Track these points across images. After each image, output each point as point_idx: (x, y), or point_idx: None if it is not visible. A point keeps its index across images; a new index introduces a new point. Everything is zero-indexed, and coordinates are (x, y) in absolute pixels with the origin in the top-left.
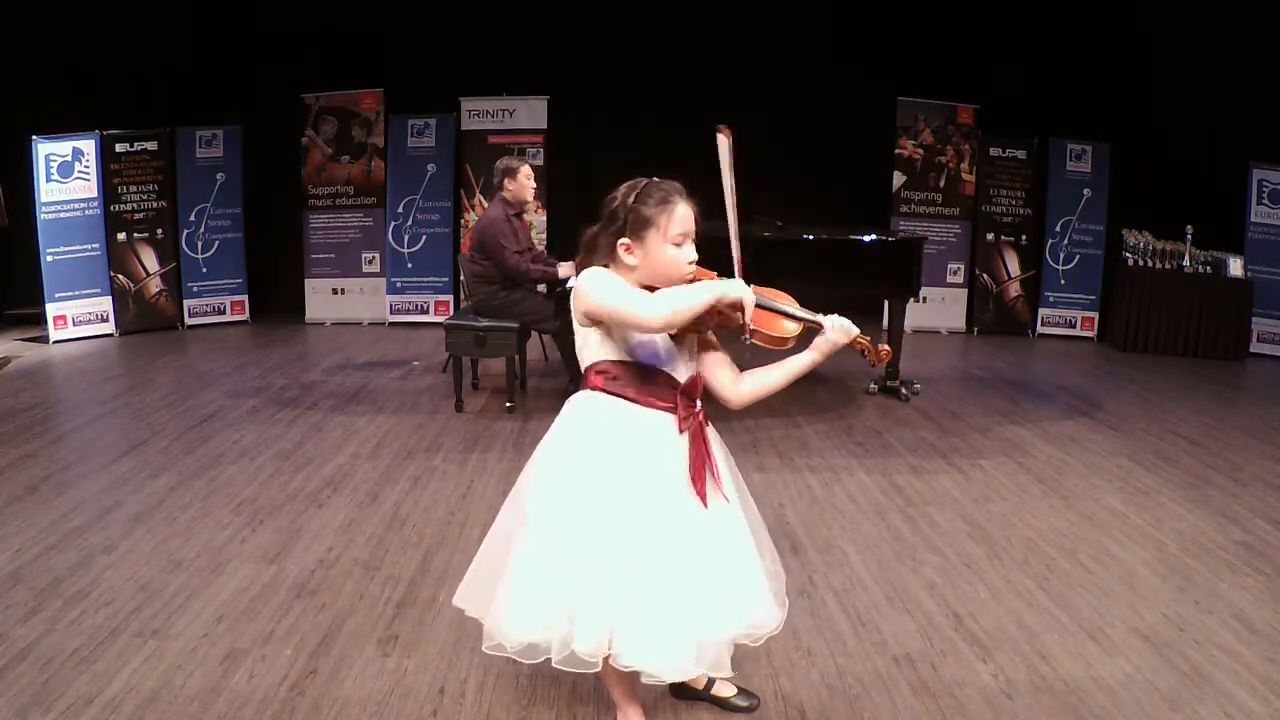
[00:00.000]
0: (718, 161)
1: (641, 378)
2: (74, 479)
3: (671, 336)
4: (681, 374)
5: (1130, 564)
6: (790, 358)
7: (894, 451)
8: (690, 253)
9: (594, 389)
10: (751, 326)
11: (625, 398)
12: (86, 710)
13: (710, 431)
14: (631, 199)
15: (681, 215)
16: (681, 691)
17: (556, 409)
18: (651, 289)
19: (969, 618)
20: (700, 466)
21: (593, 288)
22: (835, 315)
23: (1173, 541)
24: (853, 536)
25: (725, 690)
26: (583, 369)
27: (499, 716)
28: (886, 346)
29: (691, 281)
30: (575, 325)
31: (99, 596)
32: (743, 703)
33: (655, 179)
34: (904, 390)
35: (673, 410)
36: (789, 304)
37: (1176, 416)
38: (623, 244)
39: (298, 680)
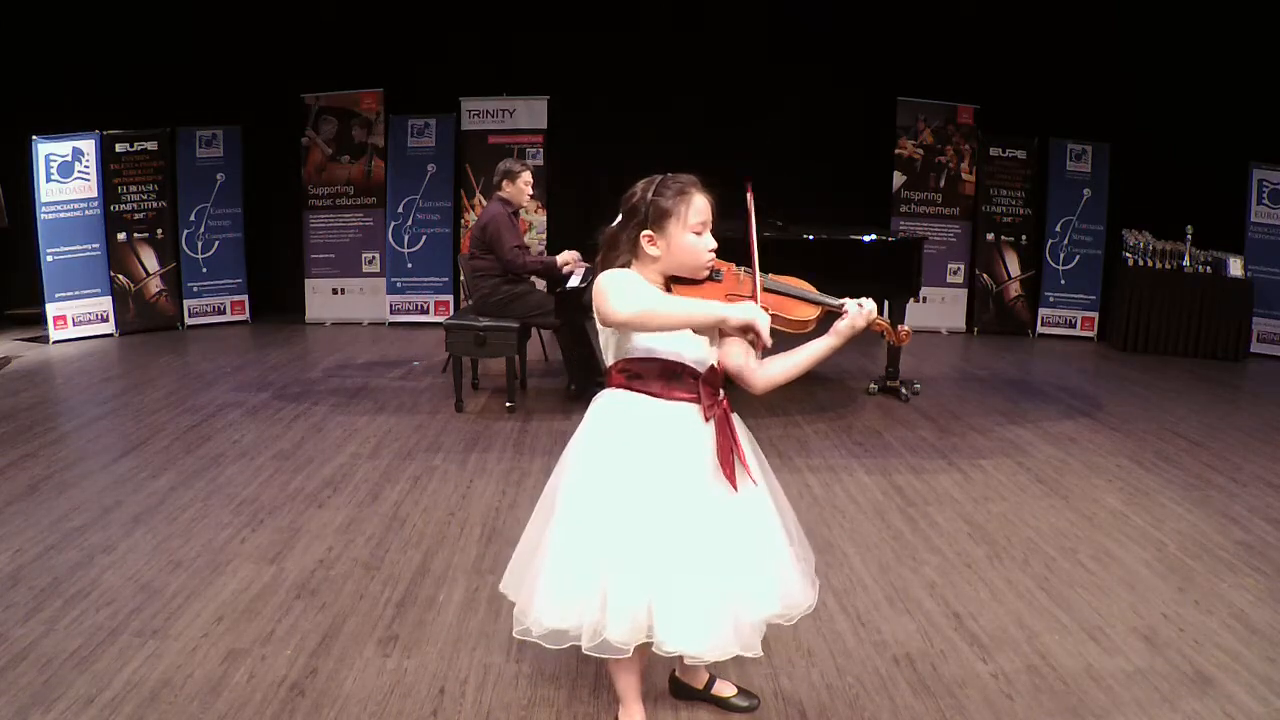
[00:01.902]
0: (747, 211)
1: (662, 372)
2: (74, 479)
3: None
4: (702, 365)
5: (1130, 564)
6: (810, 342)
7: (894, 451)
8: (709, 240)
9: (617, 386)
10: (767, 344)
11: (648, 393)
12: (86, 710)
13: (735, 418)
14: (650, 193)
15: (699, 204)
16: (681, 691)
17: (557, 409)
18: (677, 279)
19: (969, 618)
20: (728, 453)
21: (601, 284)
22: (853, 298)
23: (1173, 541)
24: (853, 536)
25: (725, 690)
26: (605, 367)
27: (499, 716)
28: (906, 328)
29: (711, 271)
30: (597, 325)
31: (99, 596)
32: (743, 703)
33: (671, 173)
34: (904, 390)
35: (696, 401)
36: (807, 290)
37: (1176, 416)
38: (645, 235)
39: (298, 680)
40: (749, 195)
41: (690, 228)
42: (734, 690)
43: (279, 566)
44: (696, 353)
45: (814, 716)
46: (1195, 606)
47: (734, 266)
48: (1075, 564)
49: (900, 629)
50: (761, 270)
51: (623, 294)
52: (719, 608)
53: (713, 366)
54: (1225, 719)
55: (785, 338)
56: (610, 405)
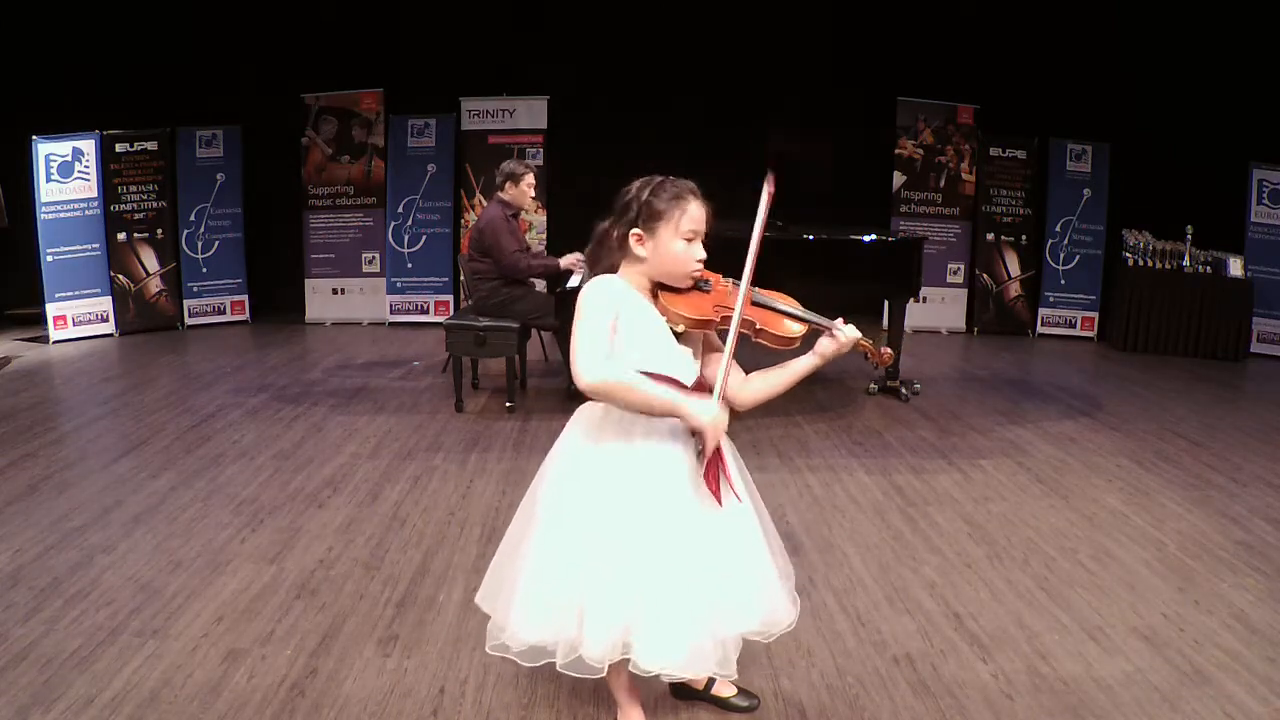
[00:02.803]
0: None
1: None
2: (74, 479)
3: (678, 337)
4: (687, 378)
5: (1130, 564)
6: (793, 360)
7: (894, 451)
8: (698, 251)
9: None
10: (708, 455)
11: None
12: (86, 710)
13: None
14: (646, 193)
15: (693, 212)
16: (681, 691)
17: (557, 409)
18: (663, 287)
19: (969, 618)
20: (713, 467)
21: (581, 303)
22: (840, 320)
23: (1173, 541)
24: (853, 536)
25: (725, 690)
26: None
27: (499, 716)
28: (889, 349)
29: (696, 280)
30: None
31: (99, 596)
32: (743, 703)
33: (670, 177)
34: (904, 390)
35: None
36: (795, 307)
37: (1176, 416)
38: (635, 234)
39: (298, 680)
40: (768, 184)
41: (681, 234)
42: (734, 690)
43: (279, 566)
44: (681, 370)
45: (814, 716)
46: (1195, 606)
47: (722, 278)
48: (1075, 564)
49: (900, 629)
50: (753, 284)
51: (593, 357)
52: (699, 624)
53: (698, 380)
54: (1225, 719)
55: (770, 353)
56: (593, 417)
